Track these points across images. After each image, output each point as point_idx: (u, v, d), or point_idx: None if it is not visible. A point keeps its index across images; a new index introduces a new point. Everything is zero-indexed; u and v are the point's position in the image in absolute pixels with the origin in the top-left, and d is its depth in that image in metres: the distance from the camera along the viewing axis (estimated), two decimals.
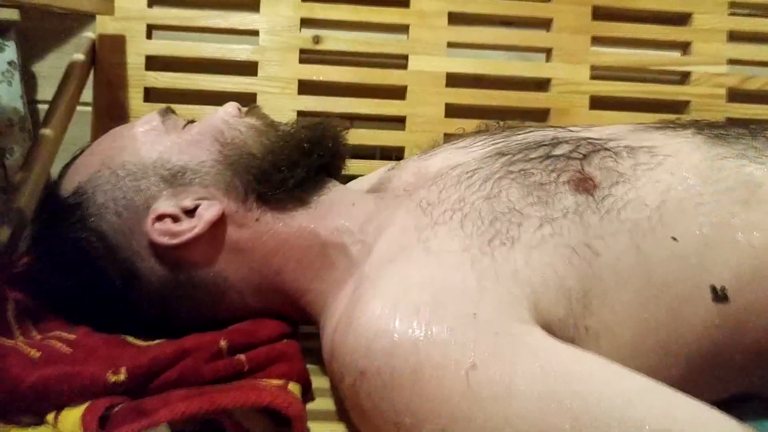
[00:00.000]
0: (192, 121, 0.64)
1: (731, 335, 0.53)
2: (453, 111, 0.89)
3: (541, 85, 0.92)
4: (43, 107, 0.92)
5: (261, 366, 0.56)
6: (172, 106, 0.66)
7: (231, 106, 0.65)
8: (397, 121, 0.90)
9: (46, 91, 0.96)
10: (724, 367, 0.54)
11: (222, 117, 0.63)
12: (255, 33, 0.89)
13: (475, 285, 0.48)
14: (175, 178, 0.58)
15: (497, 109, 0.90)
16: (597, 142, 0.59)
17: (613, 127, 0.65)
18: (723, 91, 0.92)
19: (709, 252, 0.52)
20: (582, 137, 0.60)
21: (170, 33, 0.90)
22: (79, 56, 0.84)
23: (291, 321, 0.63)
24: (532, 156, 0.58)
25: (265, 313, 0.62)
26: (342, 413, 0.57)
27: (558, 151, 0.58)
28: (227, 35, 0.90)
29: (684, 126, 0.62)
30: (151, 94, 0.88)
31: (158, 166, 0.58)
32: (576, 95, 0.91)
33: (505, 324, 0.46)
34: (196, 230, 0.56)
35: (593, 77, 0.91)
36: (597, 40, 0.92)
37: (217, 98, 0.86)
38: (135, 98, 0.87)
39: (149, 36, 0.89)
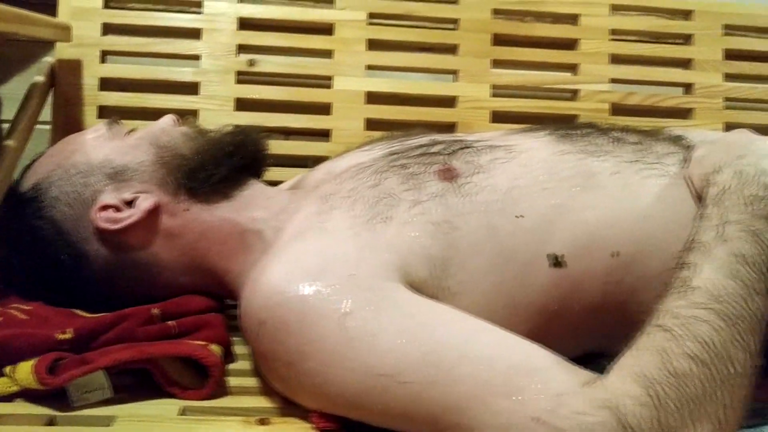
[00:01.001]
0: (133, 130, 0.76)
1: (569, 296, 0.65)
2: (372, 125, 1.02)
3: (449, 102, 1.05)
4: (6, 126, 1.02)
5: (188, 331, 0.68)
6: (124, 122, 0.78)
7: (168, 118, 0.77)
8: (323, 135, 1.03)
9: (10, 111, 1.07)
10: (567, 325, 0.66)
11: (160, 126, 0.75)
12: (197, 57, 1.01)
13: (356, 253, 0.60)
14: (117, 176, 0.70)
15: (410, 123, 1.03)
16: (467, 142, 0.72)
17: (490, 133, 0.78)
18: (607, 106, 1.07)
19: (549, 227, 0.65)
20: (457, 139, 0.73)
21: (122, 57, 1.02)
22: (40, 78, 0.95)
23: (218, 297, 0.74)
24: (412, 154, 0.71)
25: (196, 291, 0.72)
26: (257, 370, 0.69)
27: (433, 150, 0.71)
28: (172, 59, 1.02)
29: (541, 129, 0.76)
30: (104, 113, 1.00)
31: (103, 166, 0.70)
32: (479, 111, 1.04)
33: (376, 282, 0.58)
34: (134, 218, 0.68)
35: (494, 95, 1.05)
36: (497, 63, 1.06)
37: (163, 115, 0.98)
38: (90, 116, 0.98)
39: (103, 60, 1.00)
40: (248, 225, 0.71)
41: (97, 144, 0.72)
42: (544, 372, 0.51)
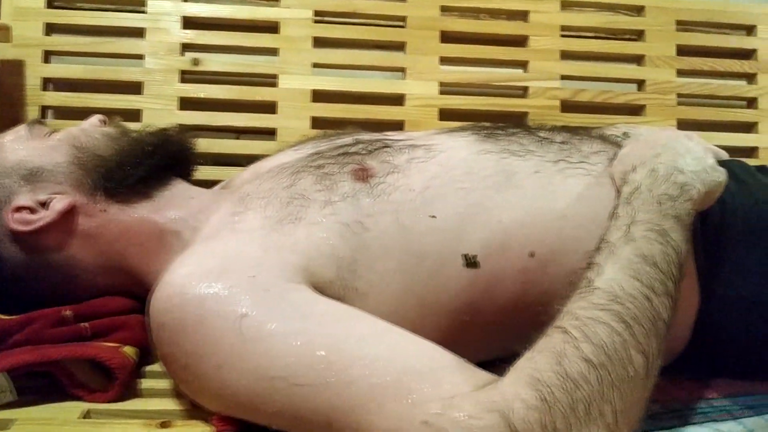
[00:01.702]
0: (55, 131, 0.76)
1: (484, 296, 0.64)
2: (319, 124, 1.01)
3: (397, 100, 1.04)
4: None
5: (102, 332, 0.67)
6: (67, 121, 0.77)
7: (95, 118, 0.77)
8: (269, 133, 1.02)
9: None
10: (482, 327, 0.65)
11: (82, 127, 0.74)
12: (141, 57, 1.01)
13: (261, 254, 0.59)
14: (33, 177, 0.69)
15: (358, 121, 1.01)
16: (388, 141, 0.71)
17: (418, 132, 0.78)
18: (557, 103, 1.05)
19: (463, 227, 0.64)
20: (379, 139, 0.72)
21: (66, 57, 1.02)
22: None
23: (139, 298, 0.74)
24: (332, 154, 0.70)
25: (116, 292, 0.72)
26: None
27: (353, 149, 0.70)
28: (116, 59, 1.02)
29: (467, 129, 0.75)
30: (47, 113, 0.99)
31: (19, 167, 0.70)
32: (427, 109, 1.03)
33: (278, 283, 0.57)
34: (47, 219, 0.67)
35: (442, 92, 1.04)
36: (445, 60, 1.05)
37: (106, 114, 0.97)
38: (33, 116, 0.98)
39: (47, 60, 1.00)
40: (167, 225, 0.70)
41: (14, 146, 0.72)
42: (437, 374, 0.51)
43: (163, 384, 0.66)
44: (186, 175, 0.78)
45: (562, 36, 1.07)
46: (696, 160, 0.65)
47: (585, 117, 1.05)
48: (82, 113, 0.98)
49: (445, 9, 1.05)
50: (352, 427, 0.50)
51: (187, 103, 1.01)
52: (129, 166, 0.71)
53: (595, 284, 0.54)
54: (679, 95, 1.08)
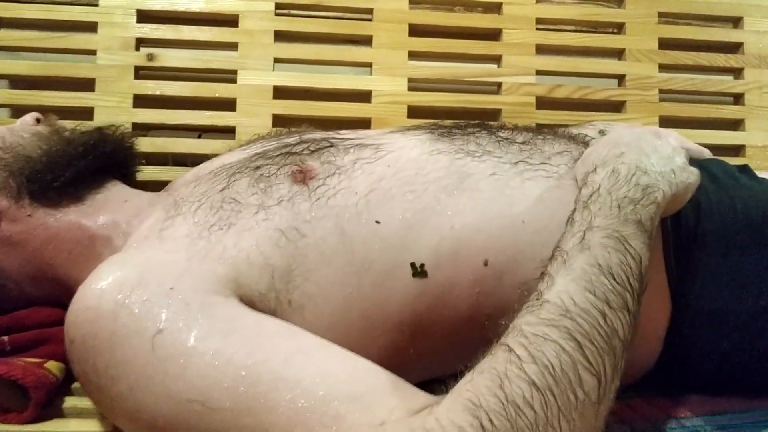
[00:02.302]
0: None
1: (433, 307, 0.59)
2: (281, 121, 0.96)
3: (363, 96, 0.99)
4: None
5: (24, 347, 0.63)
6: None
7: (29, 116, 0.72)
8: (229, 132, 0.97)
9: None
10: (432, 341, 0.60)
11: (9, 126, 0.70)
12: (93, 52, 0.96)
13: (183, 264, 0.55)
14: None
15: (322, 119, 0.97)
16: (334, 140, 0.66)
17: (372, 131, 0.73)
18: (532, 100, 1.00)
19: (411, 233, 0.59)
20: (325, 137, 0.67)
21: (14, 53, 0.97)
22: None
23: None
24: (274, 154, 0.65)
25: (46, 302, 0.68)
26: None
27: (296, 149, 0.65)
28: (68, 54, 0.97)
29: (422, 127, 0.70)
30: None
31: None
32: (395, 105, 0.98)
33: (199, 296, 0.52)
34: None
35: (411, 89, 0.99)
36: (414, 55, 1.00)
37: (56, 113, 0.92)
38: None
39: None
40: (97, 231, 0.66)
41: None
42: (368, 397, 0.46)
43: (89, 403, 0.61)
44: (126, 177, 0.73)
45: (538, 29, 1.01)
46: (663, 159, 0.60)
47: (562, 114, 1.00)
48: (28, 111, 0.94)
49: (413, 2, 1.00)
50: None
51: (142, 101, 0.96)
52: (58, 167, 0.67)
53: (544, 297, 0.49)
54: (662, 91, 1.02)
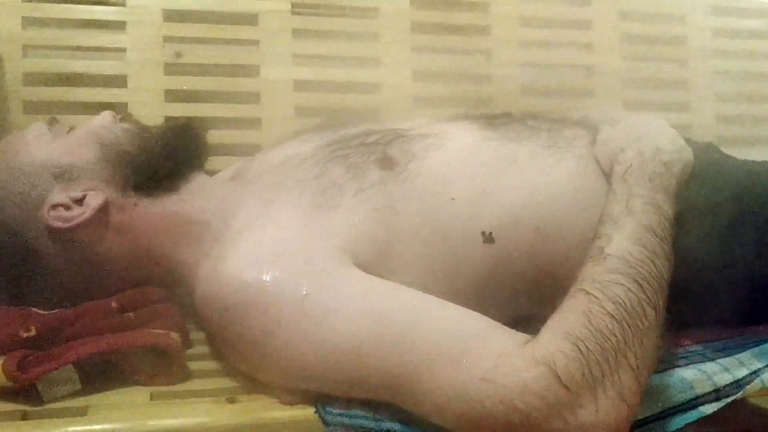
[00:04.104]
0: (73, 128, 0.77)
1: (499, 268, 0.72)
2: (302, 112, 1.06)
3: (373, 88, 1.10)
4: None
5: (146, 321, 0.70)
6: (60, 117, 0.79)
7: (106, 114, 0.79)
8: (253, 123, 1.06)
9: None
10: (497, 295, 0.72)
11: (100, 123, 0.76)
12: (122, 50, 1.02)
13: (308, 240, 0.65)
14: (64, 175, 0.71)
15: (339, 110, 1.07)
16: (399, 131, 0.77)
17: (417, 121, 0.84)
18: (518, 89, 1.15)
19: (478, 207, 0.72)
20: (389, 129, 0.79)
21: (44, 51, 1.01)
22: None
23: (167, 287, 0.77)
24: (351, 144, 0.76)
25: (147, 282, 0.75)
26: (214, 354, 0.73)
27: (369, 140, 0.76)
28: (97, 52, 1.02)
29: (465, 117, 0.83)
30: (30, 108, 0.98)
31: (49, 166, 0.71)
32: (401, 97, 1.10)
33: (329, 265, 0.63)
34: (85, 215, 0.70)
35: (415, 81, 1.11)
36: (416, 50, 1.12)
37: (92, 108, 0.98)
38: (15, 112, 0.97)
39: (24, 55, 0.99)
40: (196, 216, 0.74)
41: (40, 144, 0.73)
42: (485, 336, 0.58)
43: (211, 365, 0.70)
44: (200, 167, 0.81)
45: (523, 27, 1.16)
46: (670, 140, 0.75)
47: (543, 101, 1.15)
48: (66, 108, 1.00)
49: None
50: (415, 389, 0.57)
51: (172, 95, 1.03)
52: (156, 161, 0.74)
53: (606, 252, 0.62)
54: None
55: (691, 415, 0.64)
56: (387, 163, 0.72)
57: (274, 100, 1.06)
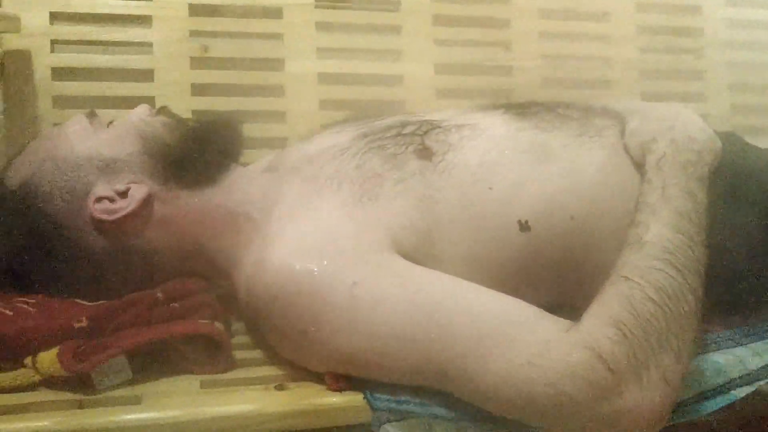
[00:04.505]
0: (112, 122, 0.78)
1: (535, 257, 0.73)
2: (326, 105, 1.07)
3: (396, 80, 1.12)
4: None
5: (191, 311, 0.71)
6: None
7: (144, 108, 0.80)
8: (278, 116, 1.07)
9: None
10: (533, 283, 0.73)
11: (139, 117, 0.77)
12: (149, 44, 1.02)
13: (352, 229, 0.66)
14: (107, 168, 0.73)
15: (363, 102, 1.08)
16: (434, 122, 0.78)
17: (448, 111, 0.85)
18: (538, 80, 1.16)
19: (515, 197, 0.73)
20: (424, 120, 0.80)
21: (71, 46, 1.02)
22: None
23: (208, 278, 0.78)
24: (387, 135, 0.77)
25: (188, 273, 0.76)
26: (258, 343, 0.74)
27: (406, 131, 0.77)
28: (124, 47, 1.03)
29: (496, 108, 0.84)
30: (59, 103, 0.99)
31: (93, 159, 0.73)
32: (424, 89, 1.11)
33: (375, 254, 0.64)
34: (130, 207, 0.71)
35: (437, 73, 1.13)
36: (438, 42, 1.13)
37: (119, 102, 0.99)
38: (45, 107, 0.98)
39: (53, 50, 1.00)
40: (236, 208, 0.75)
41: (82, 137, 0.74)
42: (531, 322, 0.60)
43: (255, 354, 0.72)
44: (236, 159, 0.82)
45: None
46: (701, 130, 0.76)
47: (562, 92, 1.16)
48: (95, 102, 1.00)
49: None
50: (462, 373, 0.58)
51: (199, 89, 1.03)
52: (196, 153, 0.75)
53: (644, 239, 0.64)
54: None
55: (724, 399, 0.65)
56: (425, 153, 0.73)
57: (298, 93, 1.07)
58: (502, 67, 1.17)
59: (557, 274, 0.75)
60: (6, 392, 0.62)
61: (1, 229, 0.71)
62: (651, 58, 1.24)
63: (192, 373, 0.66)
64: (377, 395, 0.62)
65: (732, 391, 0.66)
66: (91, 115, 0.77)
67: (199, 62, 1.04)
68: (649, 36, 1.24)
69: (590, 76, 1.20)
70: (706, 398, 0.66)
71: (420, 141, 0.75)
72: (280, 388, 0.64)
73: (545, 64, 1.18)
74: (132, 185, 0.72)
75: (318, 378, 0.65)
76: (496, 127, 0.78)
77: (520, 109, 0.83)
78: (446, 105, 1.09)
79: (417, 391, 0.62)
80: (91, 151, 0.73)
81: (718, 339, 0.76)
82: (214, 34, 1.05)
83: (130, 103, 0.98)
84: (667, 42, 1.25)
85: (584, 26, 1.22)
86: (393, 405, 0.61)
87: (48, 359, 0.61)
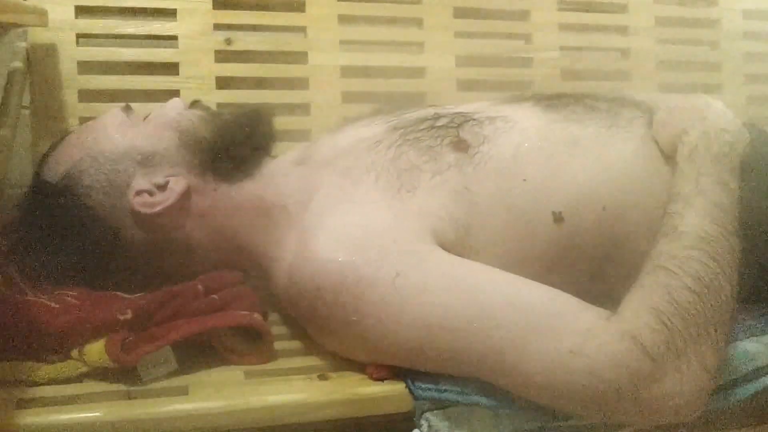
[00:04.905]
0: (148, 115, 0.79)
1: (568, 248, 0.74)
2: (349, 98, 1.08)
3: (417, 73, 1.12)
4: None
5: (230, 303, 0.72)
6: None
7: (178, 101, 0.81)
8: (302, 108, 1.07)
9: None
10: (565, 274, 0.75)
11: (176, 110, 0.78)
12: (174, 38, 1.03)
13: (393, 221, 0.67)
14: (146, 161, 0.73)
15: (385, 95, 1.09)
16: (467, 114, 0.79)
17: (477, 104, 0.86)
18: (558, 72, 1.17)
19: (549, 188, 0.74)
20: (456, 112, 0.80)
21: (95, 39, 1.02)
22: (17, 64, 0.94)
23: (244, 269, 0.79)
24: (421, 128, 0.77)
25: (224, 265, 0.77)
26: (296, 333, 0.75)
27: (439, 123, 0.78)
28: (149, 40, 1.03)
29: (526, 99, 0.84)
30: (85, 96, 0.99)
31: (132, 152, 0.73)
32: (446, 81, 1.11)
33: (416, 245, 0.65)
34: (170, 200, 0.72)
35: (458, 65, 1.13)
36: (459, 35, 1.14)
37: (145, 96, 0.99)
38: (70, 100, 0.98)
39: (78, 43, 1.00)
40: (273, 201, 0.76)
41: (120, 131, 0.75)
42: (570, 312, 0.61)
43: (293, 344, 0.73)
44: (270, 152, 0.83)
45: (560, 10, 1.18)
46: (731, 121, 0.77)
47: (582, 84, 1.17)
48: (118, 95, 1.01)
49: None
50: (505, 363, 0.59)
51: (223, 82, 1.04)
52: (233, 146, 0.76)
53: (680, 229, 0.64)
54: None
55: (754, 386, 0.67)
56: (461, 145, 0.74)
57: (321, 86, 1.07)
58: (522, 59, 1.17)
59: (589, 264, 0.76)
60: (53, 384, 0.63)
61: (42, 223, 0.72)
62: (668, 50, 1.24)
63: (234, 364, 0.67)
64: (419, 384, 0.63)
65: (762, 378, 0.67)
66: (127, 109, 0.78)
67: (223, 55, 1.05)
68: (666, 27, 1.24)
69: (608, 68, 1.21)
70: (737, 385, 0.67)
71: (455, 133, 0.75)
72: (322, 377, 0.65)
73: (564, 55, 1.18)
74: (171, 178, 0.73)
75: (358, 367, 0.66)
76: (528, 119, 0.79)
77: (550, 100, 0.84)
78: (468, 97, 1.11)
79: (457, 379, 0.63)
80: (130, 145, 0.74)
81: (747, 327, 0.77)
82: (238, 27, 1.06)
83: (155, 96, 1.00)
84: (684, 33, 1.26)
85: (603, 18, 1.22)
86: (434, 394, 0.63)
87: (96, 351, 0.62)
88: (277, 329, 0.77)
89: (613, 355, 0.57)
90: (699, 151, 0.72)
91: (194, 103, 0.81)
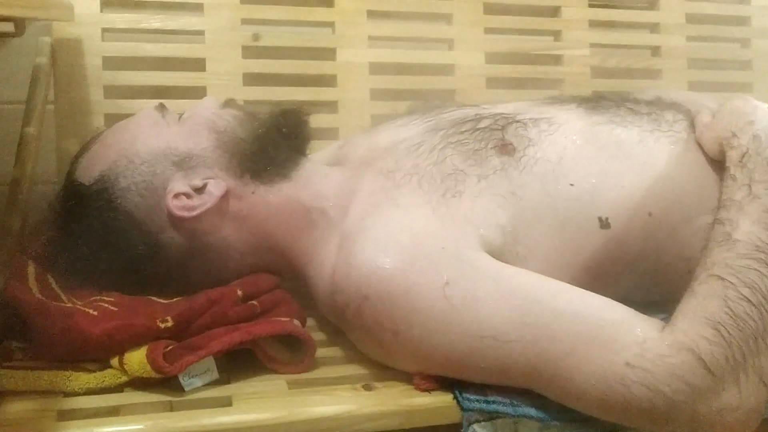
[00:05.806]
0: (182, 115, 0.77)
1: (614, 254, 0.72)
2: (377, 95, 1.06)
3: (447, 69, 1.10)
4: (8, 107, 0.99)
5: (269, 308, 0.71)
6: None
7: (212, 100, 0.78)
8: (330, 106, 1.05)
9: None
10: (611, 281, 0.73)
11: (209, 109, 0.76)
12: (201, 33, 1.01)
13: (439, 227, 0.65)
14: (183, 163, 0.71)
15: (414, 92, 1.07)
16: (509, 116, 0.77)
17: (516, 104, 0.84)
18: (588, 70, 1.15)
19: (595, 193, 0.72)
20: (497, 113, 0.78)
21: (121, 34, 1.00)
22: (43, 59, 0.92)
23: (281, 273, 0.77)
24: (463, 129, 0.75)
25: (259, 269, 0.75)
26: (334, 340, 0.73)
27: (482, 125, 0.76)
28: (175, 35, 1.01)
29: (567, 101, 0.82)
30: (110, 92, 0.97)
31: (168, 154, 0.71)
32: (475, 78, 1.10)
33: (464, 252, 0.63)
34: (209, 204, 0.70)
35: (487, 62, 1.11)
36: (488, 31, 1.12)
37: (171, 92, 0.97)
38: (95, 96, 0.96)
39: (104, 38, 0.98)
40: (311, 203, 0.74)
41: (156, 131, 0.73)
42: (626, 323, 0.59)
43: (334, 352, 0.71)
44: (305, 153, 0.81)
45: (590, 7, 1.16)
46: None
47: (614, 81, 1.15)
48: (144, 92, 0.99)
49: None
50: (558, 375, 0.58)
51: (250, 78, 1.02)
52: (271, 148, 0.74)
53: (734, 237, 0.63)
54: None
55: None
56: (507, 149, 0.72)
57: (350, 83, 1.05)
58: (552, 56, 1.15)
59: (634, 270, 0.74)
60: (90, 394, 0.62)
61: (77, 225, 0.70)
62: (699, 47, 1.22)
63: (275, 372, 0.66)
64: (466, 395, 0.62)
65: None
66: (162, 108, 0.76)
67: (250, 51, 1.03)
68: (697, 25, 1.22)
69: (638, 65, 1.19)
70: None
71: (500, 136, 0.73)
72: (367, 388, 0.63)
73: (594, 52, 1.16)
74: (209, 181, 0.71)
75: (403, 377, 0.64)
76: (573, 121, 0.77)
77: (592, 102, 0.82)
78: (497, 94, 1.09)
79: (506, 390, 0.61)
80: (166, 146, 0.71)
81: None
82: (265, 23, 1.03)
83: (181, 92, 0.98)
84: (715, 31, 1.24)
85: (633, 15, 1.20)
86: (482, 405, 0.61)
87: (137, 360, 0.60)
88: (315, 335, 0.75)
89: (671, 368, 0.55)
90: (750, 157, 0.70)
91: (228, 102, 0.78)
